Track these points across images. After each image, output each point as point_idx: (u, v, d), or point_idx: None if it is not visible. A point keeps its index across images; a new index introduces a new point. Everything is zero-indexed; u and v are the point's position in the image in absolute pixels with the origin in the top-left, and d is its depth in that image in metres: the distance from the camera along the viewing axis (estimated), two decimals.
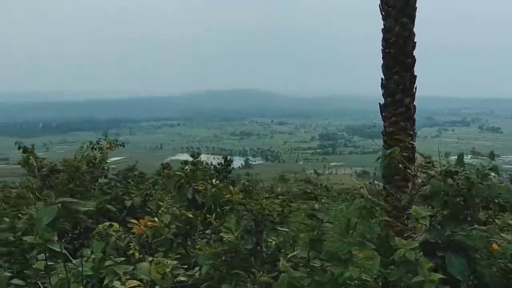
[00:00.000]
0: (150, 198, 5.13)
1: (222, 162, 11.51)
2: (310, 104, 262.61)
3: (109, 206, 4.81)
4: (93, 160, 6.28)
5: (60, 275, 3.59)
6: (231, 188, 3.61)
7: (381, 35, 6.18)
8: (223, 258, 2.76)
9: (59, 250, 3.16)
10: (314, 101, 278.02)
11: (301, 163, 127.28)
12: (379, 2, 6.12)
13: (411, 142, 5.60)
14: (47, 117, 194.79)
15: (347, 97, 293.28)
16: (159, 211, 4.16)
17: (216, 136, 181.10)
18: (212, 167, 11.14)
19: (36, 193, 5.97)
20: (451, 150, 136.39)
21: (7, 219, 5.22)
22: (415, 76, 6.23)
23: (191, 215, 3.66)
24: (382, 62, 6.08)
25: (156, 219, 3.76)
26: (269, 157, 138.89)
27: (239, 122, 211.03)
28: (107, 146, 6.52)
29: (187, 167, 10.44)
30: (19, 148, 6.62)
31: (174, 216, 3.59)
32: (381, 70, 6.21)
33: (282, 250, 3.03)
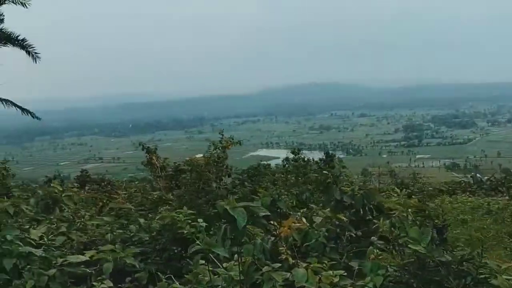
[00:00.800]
0: (280, 198, 4.92)
1: (324, 157, 11.08)
2: (392, 95, 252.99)
3: None
4: (217, 159, 6.25)
5: (206, 278, 3.48)
6: (397, 189, 3.28)
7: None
8: (411, 270, 2.44)
9: (225, 255, 3.07)
10: (396, 92, 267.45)
11: (384, 156, 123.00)
12: None
13: None
14: (135, 117, 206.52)
15: (431, 85, 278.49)
16: (299, 213, 3.95)
17: (295, 131, 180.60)
18: (314, 162, 10.78)
19: (163, 193, 6.12)
20: None
21: (142, 220, 5.34)
22: None
23: (343, 218, 3.40)
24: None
25: (304, 220, 3.54)
26: (350, 150, 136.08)
27: (318, 116, 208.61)
28: (224, 144, 6.47)
29: (287, 164, 10.28)
30: (142, 149, 6.87)
31: (326, 218, 3.34)
32: None
33: (471, 261, 2.64)
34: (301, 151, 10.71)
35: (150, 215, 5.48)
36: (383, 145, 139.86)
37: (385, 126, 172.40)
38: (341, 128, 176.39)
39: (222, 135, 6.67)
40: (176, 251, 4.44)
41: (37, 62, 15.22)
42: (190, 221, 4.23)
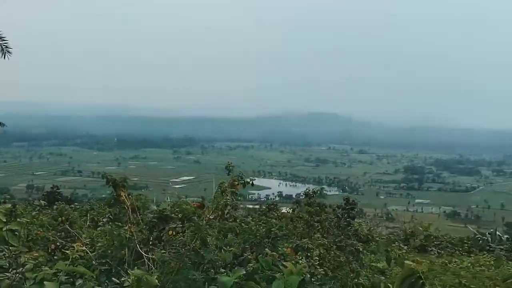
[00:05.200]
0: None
1: (343, 204, 9.70)
2: (395, 134, 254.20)
3: None
4: (221, 209, 4.76)
5: None
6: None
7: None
8: None
9: None
10: (400, 131, 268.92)
11: (382, 197, 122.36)
12: None
13: None
14: (121, 131, 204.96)
15: (438, 128, 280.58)
16: None
17: (289, 161, 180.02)
18: (331, 210, 9.38)
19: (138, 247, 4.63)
20: None
21: None
22: None
23: None
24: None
25: None
26: (346, 187, 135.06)
27: (315, 147, 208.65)
28: (233, 182, 4.99)
29: (298, 208, 8.86)
30: (107, 182, 5.05)
31: None
32: None
33: None
34: (317, 193, 9.32)
35: (115, 279, 4.01)
36: (381, 185, 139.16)
37: (385, 165, 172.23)
38: (338, 163, 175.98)
39: (229, 170, 5.13)
40: None
41: (6, 57, 13.68)
42: None
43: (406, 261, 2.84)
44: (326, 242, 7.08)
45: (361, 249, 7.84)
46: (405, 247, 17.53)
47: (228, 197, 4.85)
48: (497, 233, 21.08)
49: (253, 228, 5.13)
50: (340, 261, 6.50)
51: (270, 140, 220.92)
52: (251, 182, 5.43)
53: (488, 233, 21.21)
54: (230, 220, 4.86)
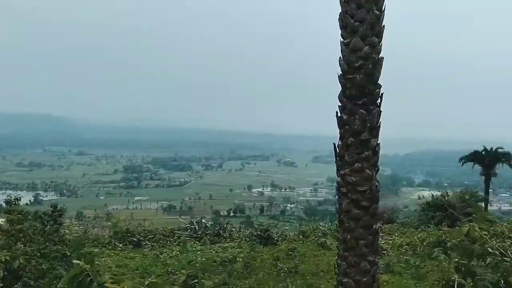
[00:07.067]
0: None
1: (50, 211, 8.83)
2: (114, 134, 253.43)
3: None
4: None
5: None
6: None
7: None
8: None
9: None
10: (119, 131, 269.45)
11: (102, 198, 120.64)
12: (339, 14, 5.10)
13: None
14: None
15: (155, 128, 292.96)
16: None
17: None
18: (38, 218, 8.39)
19: None
20: (252, 184, 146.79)
21: None
22: (381, 111, 5.14)
23: None
24: (340, 90, 4.88)
25: None
26: (65, 191, 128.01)
27: (28, 151, 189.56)
28: None
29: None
30: None
31: None
32: (338, 101, 5.04)
33: None
34: (19, 201, 8.32)
35: None
36: (101, 186, 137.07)
37: (105, 166, 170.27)
38: (55, 166, 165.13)
39: None
40: None
41: None
42: None
43: (75, 261, 2.69)
44: (29, 251, 6.68)
45: (68, 254, 7.63)
46: (121, 244, 17.56)
47: None
48: (203, 221, 23.16)
49: None
50: (42, 269, 6.20)
51: None
52: None
53: (196, 222, 23.01)
54: None
